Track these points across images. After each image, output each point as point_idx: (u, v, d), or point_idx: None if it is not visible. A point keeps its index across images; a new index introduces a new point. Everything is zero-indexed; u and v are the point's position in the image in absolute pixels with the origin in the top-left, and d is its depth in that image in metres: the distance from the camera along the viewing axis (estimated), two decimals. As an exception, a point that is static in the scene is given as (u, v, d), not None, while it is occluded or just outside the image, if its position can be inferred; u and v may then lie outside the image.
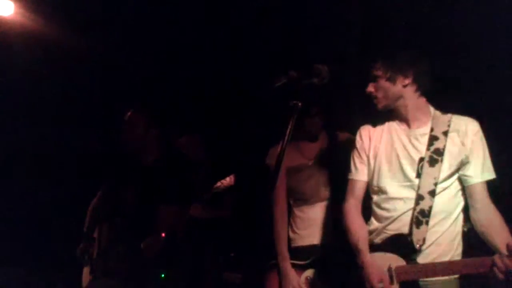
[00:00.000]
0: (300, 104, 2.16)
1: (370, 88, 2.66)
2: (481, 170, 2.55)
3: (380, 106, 2.66)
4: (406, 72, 2.59)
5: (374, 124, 2.79)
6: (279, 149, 2.25)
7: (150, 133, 3.44)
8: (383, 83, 2.61)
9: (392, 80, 2.59)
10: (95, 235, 3.53)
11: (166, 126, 3.67)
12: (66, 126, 4.94)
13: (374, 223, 2.70)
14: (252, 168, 3.80)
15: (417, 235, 2.51)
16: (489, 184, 2.59)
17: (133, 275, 3.22)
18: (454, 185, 2.59)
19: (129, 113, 3.48)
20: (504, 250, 2.34)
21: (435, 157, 2.55)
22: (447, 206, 2.57)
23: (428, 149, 2.58)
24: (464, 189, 2.60)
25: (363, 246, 2.61)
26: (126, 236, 3.33)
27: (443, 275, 2.47)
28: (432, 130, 2.61)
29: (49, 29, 4.41)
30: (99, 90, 4.79)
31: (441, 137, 2.58)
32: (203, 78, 4.67)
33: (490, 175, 2.58)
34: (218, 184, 4.30)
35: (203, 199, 4.15)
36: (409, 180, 2.59)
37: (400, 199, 2.61)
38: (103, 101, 4.75)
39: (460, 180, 2.60)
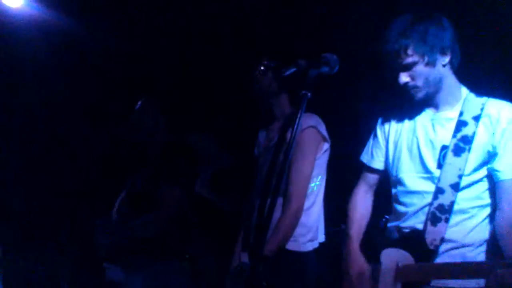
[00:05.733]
0: (309, 94, 2.16)
1: (405, 78, 2.23)
2: None
3: (420, 95, 2.26)
4: (446, 49, 2.22)
5: (397, 108, 2.46)
6: (288, 139, 2.25)
7: (159, 122, 3.45)
8: (422, 68, 2.21)
9: (432, 63, 2.20)
10: None
11: (176, 117, 3.67)
12: (76, 117, 4.97)
13: (392, 220, 2.41)
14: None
15: (432, 233, 2.18)
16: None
17: (140, 265, 3.22)
18: (484, 180, 2.25)
19: (139, 102, 3.50)
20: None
21: (462, 145, 2.19)
22: (473, 204, 2.23)
23: (454, 136, 2.23)
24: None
25: (355, 234, 2.41)
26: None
27: (440, 277, 2.14)
28: (461, 114, 2.25)
29: (58, 21, 4.42)
30: (109, 80, 4.80)
31: (471, 122, 2.21)
32: (216, 72, 4.66)
33: None
34: None
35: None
36: (429, 171, 2.27)
37: (418, 192, 2.29)
38: (113, 92, 4.76)
39: (491, 175, 2.23)
